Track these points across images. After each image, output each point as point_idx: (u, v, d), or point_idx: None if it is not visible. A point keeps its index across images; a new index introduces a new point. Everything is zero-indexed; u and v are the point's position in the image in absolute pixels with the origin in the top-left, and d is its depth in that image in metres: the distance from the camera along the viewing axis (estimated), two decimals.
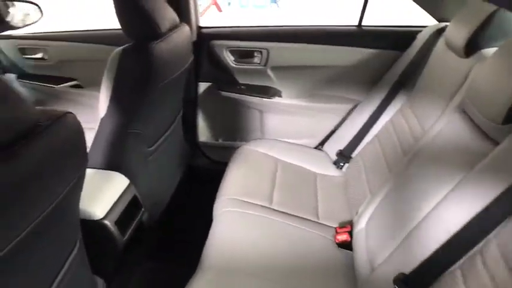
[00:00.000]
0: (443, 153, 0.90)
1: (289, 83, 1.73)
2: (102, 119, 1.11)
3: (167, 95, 1.29)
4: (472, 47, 1.05)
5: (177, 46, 1.23)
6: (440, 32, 1.34)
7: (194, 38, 1.61)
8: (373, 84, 1.54)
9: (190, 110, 1.77)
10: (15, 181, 0.50)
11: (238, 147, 1.61)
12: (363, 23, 1.59)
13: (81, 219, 0.82)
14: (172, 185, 1.57)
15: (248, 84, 1.78)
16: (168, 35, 1.16)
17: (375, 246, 0.94)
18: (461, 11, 1.13)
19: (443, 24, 1.38)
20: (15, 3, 1.87)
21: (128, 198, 1.12)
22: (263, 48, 1.64)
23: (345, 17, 1.65)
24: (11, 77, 2.00)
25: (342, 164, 1.53)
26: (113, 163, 1.13)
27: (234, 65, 1.71)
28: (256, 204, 1.26)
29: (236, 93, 1.78)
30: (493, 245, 0.61)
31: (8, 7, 1.84)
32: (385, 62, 1.52)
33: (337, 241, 1.13)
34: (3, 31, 1.87)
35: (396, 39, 1.52)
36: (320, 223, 1.24)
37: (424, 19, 1.54)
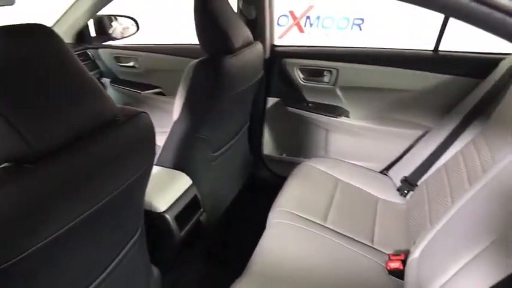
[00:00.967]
0: (510, 187, 0.83)
1: (358, 103, 1.72)
2: (174, 123, 1.23)
3: (235, 106, 1.38)
4: None
5: (248, 62, 1.31)
6: None
7: (267, 55, 1.69)
8: (446, 111, 1.46)
9: (257, 123, 1.84)
10: (93, 164, 0.60)
11: (300, 163, 1.63)
12: (440, 48, 1.53)
13: (145, 210, 0.92)
14: (233, 191, 1.64)
15: (316, 102, 1.80)
16: (241, 51, 1.25)
17: (427, 277, 0.89)
18: None
19: None
20: (118, 17, 2.15)
21: (189, 197, 1.20)
22: (333, 68, 1.65)
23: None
24: (106, 81, 2.28)
25: (406, 192, 1.46)
26: (179, 163, 1.23)
27: (303, 83, 1.74)
28: (310, 220, 1.27)
29: (303, 110, 1.81)
30: None
31: (111, 21, 2.14)
32: (460, 89, 1.43)
33: (388, 268, 1.08)
34: (105, 41, 2.16)
35: (475, 66, 1.43)
36: (373, 248, 1.20)
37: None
